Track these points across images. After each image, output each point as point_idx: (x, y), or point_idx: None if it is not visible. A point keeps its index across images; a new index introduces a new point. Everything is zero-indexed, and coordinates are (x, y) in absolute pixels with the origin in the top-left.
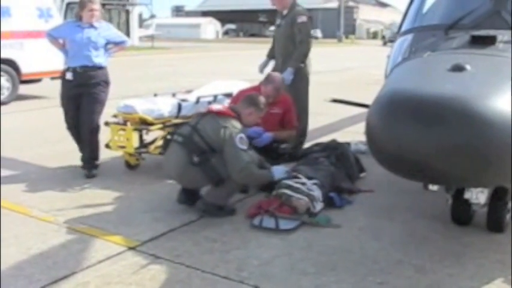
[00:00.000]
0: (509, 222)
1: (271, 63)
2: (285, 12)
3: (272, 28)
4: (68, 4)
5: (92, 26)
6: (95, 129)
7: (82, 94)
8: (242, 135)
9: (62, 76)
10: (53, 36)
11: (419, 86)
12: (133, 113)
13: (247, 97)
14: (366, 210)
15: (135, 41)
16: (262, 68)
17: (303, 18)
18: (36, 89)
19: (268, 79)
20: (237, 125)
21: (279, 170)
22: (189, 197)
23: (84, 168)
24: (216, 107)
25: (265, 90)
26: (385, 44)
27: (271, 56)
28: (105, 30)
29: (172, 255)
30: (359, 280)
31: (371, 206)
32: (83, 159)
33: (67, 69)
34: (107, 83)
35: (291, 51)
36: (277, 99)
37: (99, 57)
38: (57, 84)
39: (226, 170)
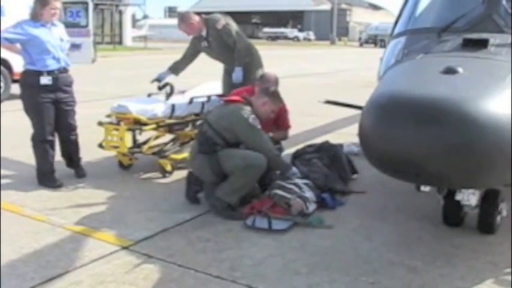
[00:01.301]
0: (501, 223)
1: (169, 78)
2: (204, 33)
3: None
4: (62, 4)
5: (53, 24)
6: (76, 130)
7: (61, 98)
8: (254, 116)
9: (28, 81)
10: (10, 41)
11: (412, 88)
12: (127, 113)
13: (262, 88)
14: (358, 211)
15: (128, 41)
16: (160, 78)
17: (221, 23)
18: None
19: (263, 78)
20: (248, 107)
21: (295, 170)
22: (194, 194)
23: (74, 168)
24: (227, 97)
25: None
26: (361, 45)
27: (173, 70)
28: (63, 28)
29: (166, 255)
30: (351, 280)
31: (363, 207)
32: (70, 161)
33: (40, 74)
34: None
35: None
36: None
37: (68, 57)
38: None
39: (229, 163)
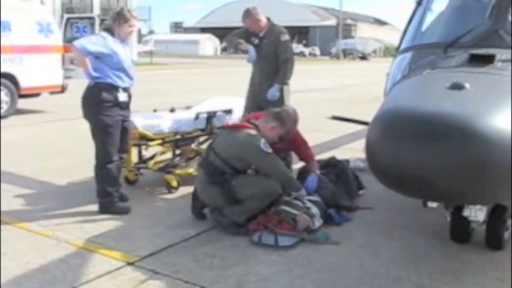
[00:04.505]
0: (508, 239)
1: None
2: (261, 33)
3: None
4: (68, 19)
5: (127, 43)
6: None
7: (126, 116)
8: (263, 139)
9: (103, 97)
10: (89, 52)
11: (419, 103)
12: (133, 128)
13: (272, 111)
14: (365, 227)
15: (134, 56)
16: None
17: (286, 37)
18: (35, 103)
19: (283, 115)
20: (254, 132)
21: (304, 192)
22: (200, 209)
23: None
24: (231, 122)
25: (285, 126)
26: (332, 57)
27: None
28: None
29: (171, 271)
30: None
31: (370, 223)
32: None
33: (117, 90)
34: None
35: (274, 69)
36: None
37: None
38: (56, 98)
39: (246, 192)
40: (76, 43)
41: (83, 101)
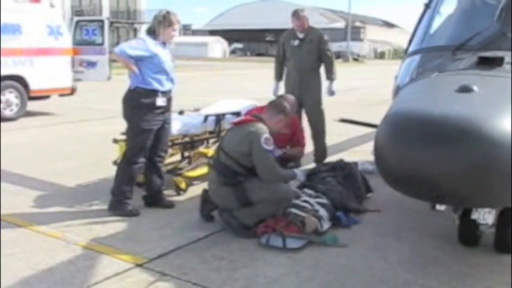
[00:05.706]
0: None
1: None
2: (302, 35)
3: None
4: (78, 22)
5: (166, 46)
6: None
7: (166, 119)
8: (267, 135)
9: (141, 101)
10: (131, 57)
11: (427, 106)
12: None
13: (275, 105)
14: (373, 229)
15: None
16: (275, 92)
17: (326, 37)
18: (44, 105)
19: (286, 106)
20: (261, 126)
21: (300, 173)
22: (208, 211)
23: (161, 201)
24: (237, 119)
25: (289, 115)
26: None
27: (279, 78)
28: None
29: (180, 273)
30: None
31: (378, 226)
32: (155, 191)
33: (156, 94)
34: None
35: (311, 66)
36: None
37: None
38: (65, 101)
39: (259, 196)
40: (116, 48)
41: (123, 102)
